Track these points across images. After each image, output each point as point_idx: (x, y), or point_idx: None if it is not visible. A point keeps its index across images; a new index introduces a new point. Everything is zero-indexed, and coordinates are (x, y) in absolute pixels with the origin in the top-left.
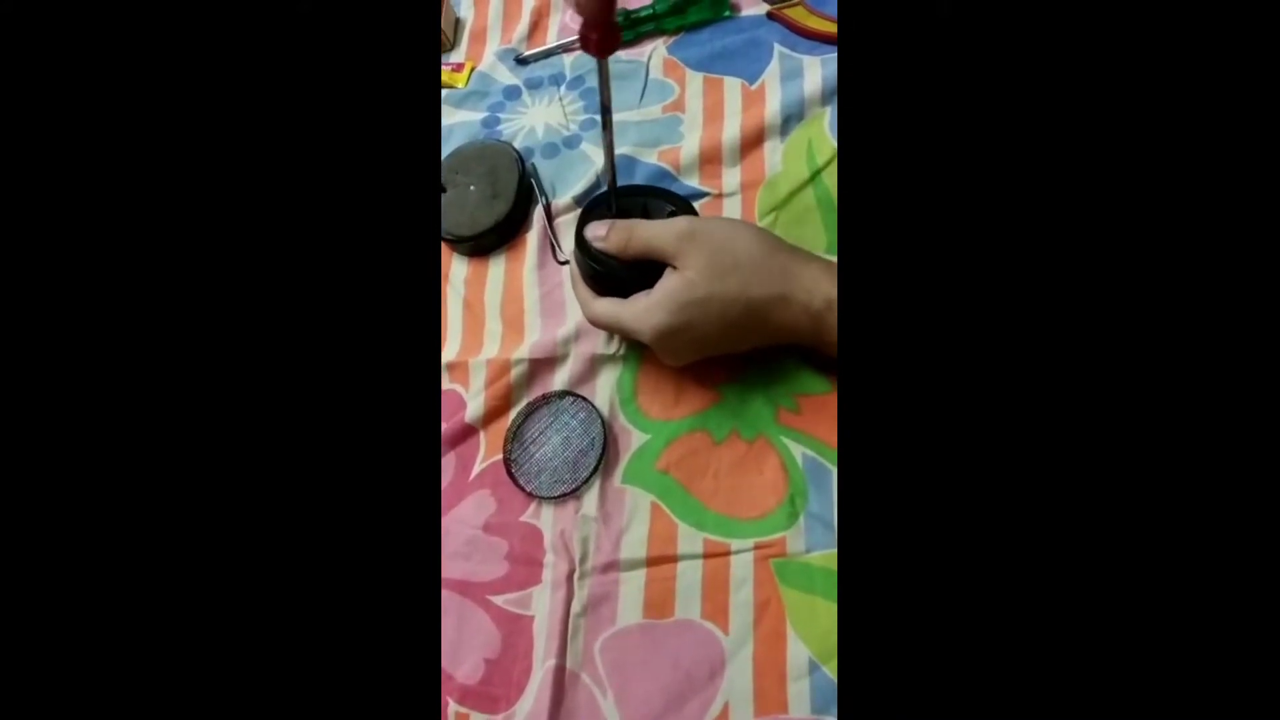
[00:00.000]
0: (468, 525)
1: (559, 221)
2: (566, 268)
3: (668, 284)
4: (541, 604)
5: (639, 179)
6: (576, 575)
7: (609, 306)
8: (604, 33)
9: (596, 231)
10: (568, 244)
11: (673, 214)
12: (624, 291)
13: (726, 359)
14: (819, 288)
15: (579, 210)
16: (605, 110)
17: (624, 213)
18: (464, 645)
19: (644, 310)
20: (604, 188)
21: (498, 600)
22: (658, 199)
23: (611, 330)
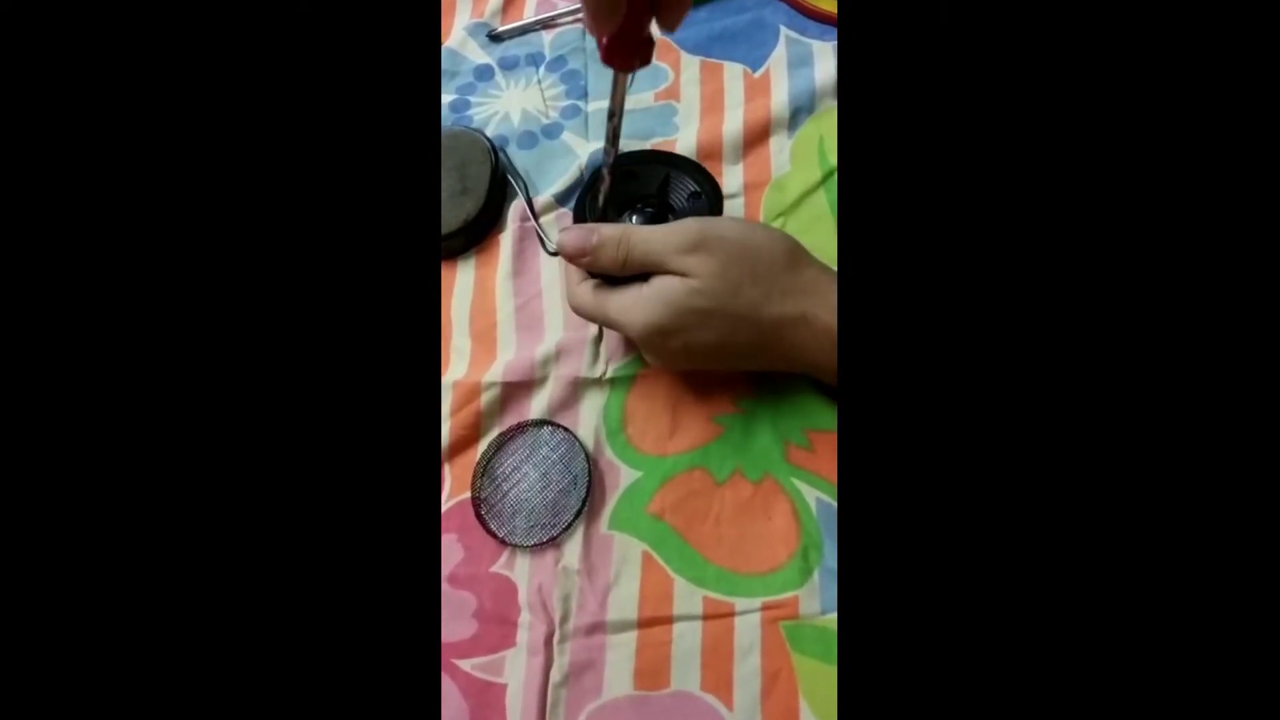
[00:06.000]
0: None
1: (544, 220)
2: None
3: (666, 281)
4: (516, 671)
5: None
6: (556, 638)
7: (593, 293)
8: (633, 43)
9: (575, 241)
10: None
11: (695, 195)
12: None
13: (731, 383)
14: None
15: (560, 210)
16: (613, 115)
17: (642, 184)
18: None
19: (634, 302)
20: (595, 184)
21: (465, 665)
22: (680, 172)
23: (595, 320)
